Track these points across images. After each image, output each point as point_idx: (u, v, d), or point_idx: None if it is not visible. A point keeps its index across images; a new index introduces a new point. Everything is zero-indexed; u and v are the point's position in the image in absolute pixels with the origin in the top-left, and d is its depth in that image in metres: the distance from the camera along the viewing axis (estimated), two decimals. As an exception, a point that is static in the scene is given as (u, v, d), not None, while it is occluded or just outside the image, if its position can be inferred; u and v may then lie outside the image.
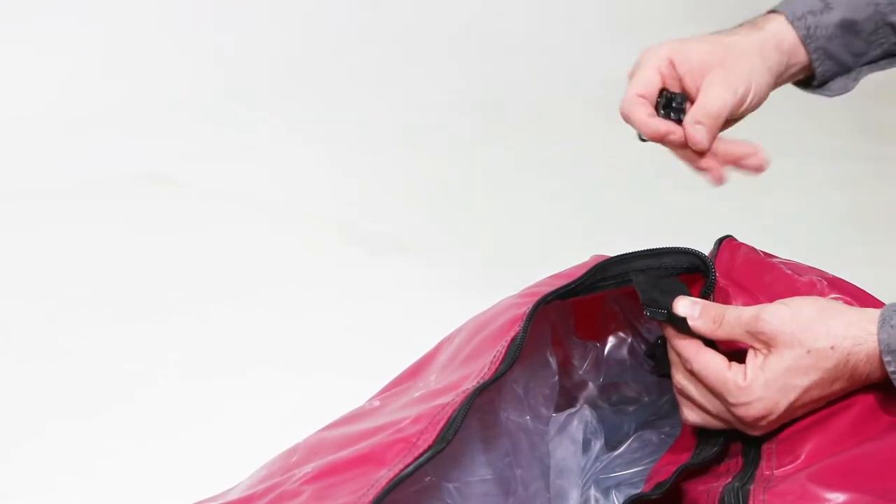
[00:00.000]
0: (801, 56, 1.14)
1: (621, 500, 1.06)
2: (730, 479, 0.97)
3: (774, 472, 0.96)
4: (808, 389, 0.95)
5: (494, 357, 1.02)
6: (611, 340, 1.15)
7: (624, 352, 1.14)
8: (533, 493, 1.08)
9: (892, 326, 0.93)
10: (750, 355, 0.97)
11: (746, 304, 1.03)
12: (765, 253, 1.09)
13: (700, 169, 1.08)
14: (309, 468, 1.00)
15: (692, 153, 1.07)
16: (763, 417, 0.96)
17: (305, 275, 2.31)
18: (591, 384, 1.15)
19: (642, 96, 1.07)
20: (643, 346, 1.13)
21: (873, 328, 0.94)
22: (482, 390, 0.99)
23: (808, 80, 1.17)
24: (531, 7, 3.72)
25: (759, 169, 1.07)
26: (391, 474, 0.94)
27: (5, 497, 1.67)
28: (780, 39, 1.12)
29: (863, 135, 3.07)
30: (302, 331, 2.08)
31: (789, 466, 0.96)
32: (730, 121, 1.10)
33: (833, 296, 1.02)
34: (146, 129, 2.99)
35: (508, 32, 3.63)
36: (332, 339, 2.05)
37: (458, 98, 3.25)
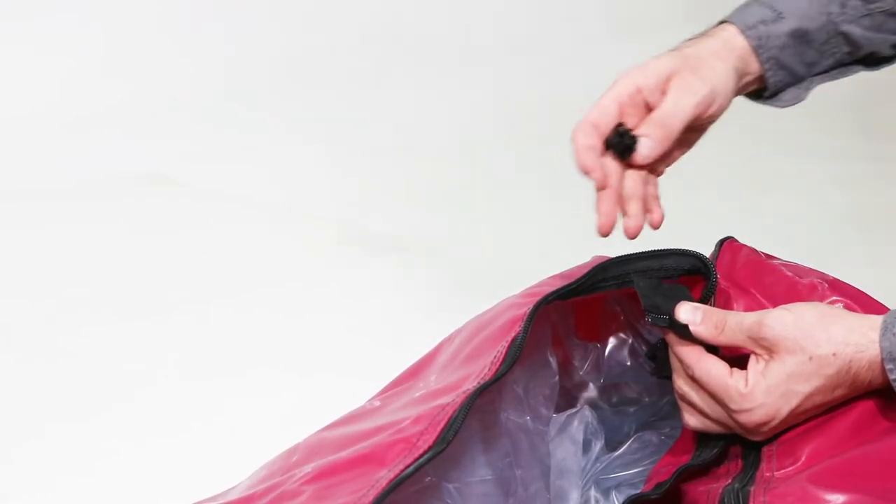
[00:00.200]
0: (753, 66, 1.12)
1: (621, 501, 1.06)
2: (730, 481, 0.97)
3: (775, 473, 0.96)
4: (809, 396, 0.95)
5: (495, 357, 1.02)
6: (611, 341, 1.14)
7: (624, 353, 1.14)
8: (533, 494, 1.08)
9: (894, 334, 0.93)
10: (752, 361, 0.96)
11: (748, 305, 1.03)
12: (766, 255, 1.09)
13: (598, 209, 1.05)
14: (309, 468, 1.00)
15: (608, 195, 1.05)
16: (765, 423, 0.96)
17: (305, 275, 2.30)
18: (591, 385, 1.15)
19: (594, 125, 1.05)
20: (644, 348, 1.13)
21: (875, 335, 0.94)
22: (483, 391, 0.99)
23: (760, 91, 1.16)
24: (531, 7, 3.72)
25: (635, 230, 1.05)
26: (391, 475, 0.94)
27: (5, 497, 1.67)
28: (732, 48, 1.11)
29: (863, 135, 3.07)
30: (302, 331, 2.08)
31: (790, 468, 0.96)
32: (698, 126, 1.09)
33: (833, 298, 1.02)
34: (146, 129, 2.99)
35: (509, 33, 3.63)
36: (332, 339, 2.05)
37: (457, 98, 3.25)
